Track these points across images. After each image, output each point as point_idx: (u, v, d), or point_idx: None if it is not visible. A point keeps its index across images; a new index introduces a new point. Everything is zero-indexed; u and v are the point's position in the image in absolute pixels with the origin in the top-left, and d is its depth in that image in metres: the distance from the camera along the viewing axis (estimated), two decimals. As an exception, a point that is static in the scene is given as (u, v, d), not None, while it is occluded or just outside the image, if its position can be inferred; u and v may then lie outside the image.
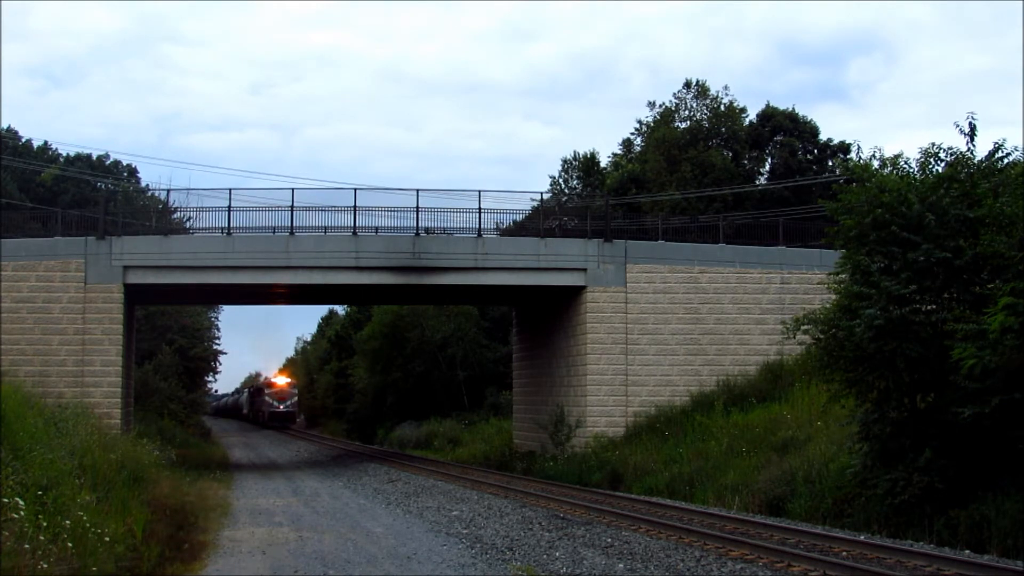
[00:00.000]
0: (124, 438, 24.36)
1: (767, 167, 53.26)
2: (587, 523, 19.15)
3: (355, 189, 32.11)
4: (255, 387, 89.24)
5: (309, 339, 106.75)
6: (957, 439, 16.63)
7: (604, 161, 58.50)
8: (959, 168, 18.15)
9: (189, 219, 38.32)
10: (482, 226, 32.61)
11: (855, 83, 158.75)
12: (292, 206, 31.76)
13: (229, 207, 31.65)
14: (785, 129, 52.37)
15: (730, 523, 18.56)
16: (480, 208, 32.52)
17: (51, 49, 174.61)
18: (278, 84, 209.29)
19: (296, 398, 77.83)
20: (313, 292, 37.64)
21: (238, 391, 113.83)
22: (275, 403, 75.93)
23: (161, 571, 13.26)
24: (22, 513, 10.90)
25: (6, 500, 10.97)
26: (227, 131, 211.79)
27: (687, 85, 53.52)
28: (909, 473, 17.03)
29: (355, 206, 31.98)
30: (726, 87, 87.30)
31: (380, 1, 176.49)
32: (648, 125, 55.23)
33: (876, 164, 19.78)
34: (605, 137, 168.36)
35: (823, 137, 52.81)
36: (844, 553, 15.04)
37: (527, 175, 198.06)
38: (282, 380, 79.14)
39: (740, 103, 54.79)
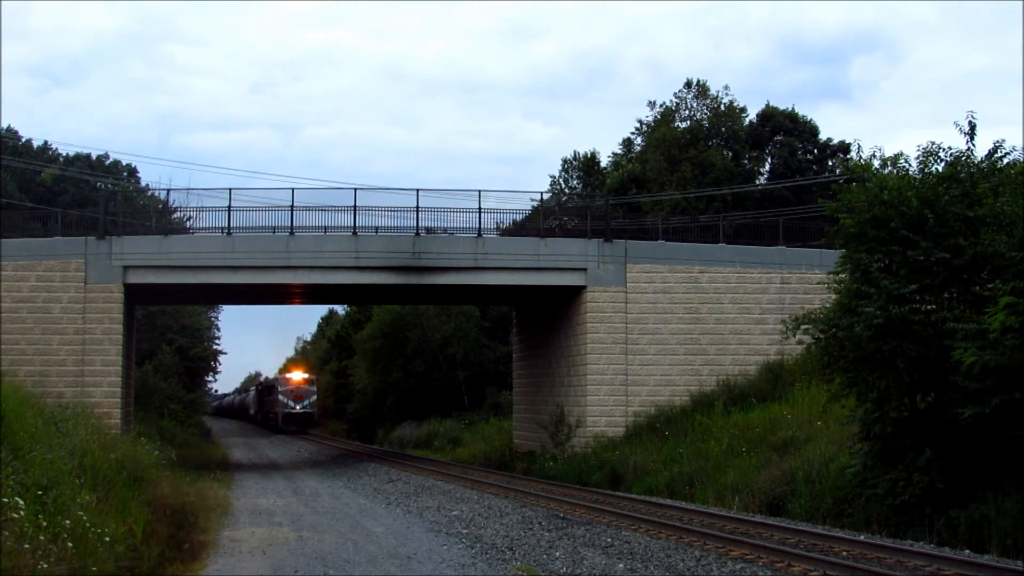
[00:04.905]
0: (124, 438, 24.35)
1: (767, 167, 53.26)
2: (587, 523, 19.14)
3: (355, 189, 32.16)
4: (265, 384, 78.97)
5: (309, 339, 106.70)
6: (957, 439, 16.63)
7: (604, 161, 58.55)
8: (959, 168, 18.14)
9: (189, 219, 38.31)
10: (482, 226, 32.60)
11: (857, 82, 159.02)
12: (292, 206, 31.77)
13: (229, 207, 31.66)
14: (785, 129, 52.40)
15: (730, 523, 18.55)
16: (480, 208, 32.54)
17: (51, 48, 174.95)
18: (278, 84, 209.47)
19: (315, 396, 66.98)
20: (313, 292, 37.65)
21: (244, 389, 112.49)
22: (290, 402, 65.21)
23: (161, 571, 13.25)
24: (22, 513, 10.89)
25: (6, 500, 10.96)
26: (227, 131, 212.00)
27: (688, 85, 53.56)
28: (909, 473, 17.03)
29: (355, 206, 31.99)
30: (726, 87, 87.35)
31: (381, 0, 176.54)
32: (648, 125, 55.23)
33: (876, 164, 19.79)
34: (605, 137, 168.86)
35: (823, 137, 52.91)
36: (844, 553, 15.03)
37: (527, 175, 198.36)
38: (298, 375, 67.88)
39: (740, 103, 54.93)
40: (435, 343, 53.04)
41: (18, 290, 30.27)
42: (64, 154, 59.77)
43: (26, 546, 10.27)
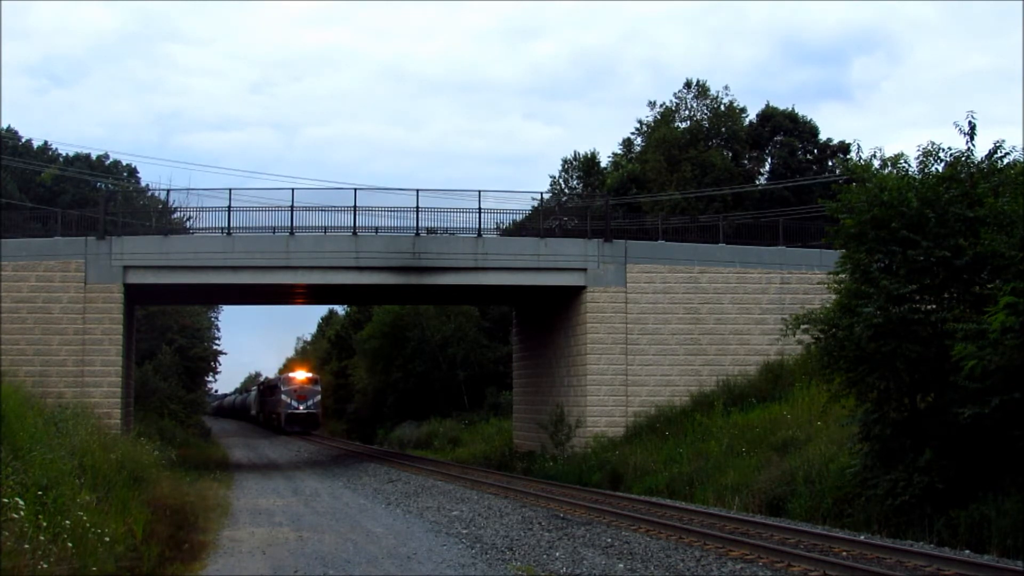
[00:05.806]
0: (124, 438, 24.36)
1: (767, 167, 53.30)
2: (587, 523, 19.14)
3: (355, 189, 32.14)
4: (267, 383, 76.83)
5: (309, 339, 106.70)
6: (957, 439, 16.62)
7: (604, 161, 58.58)
8: (959, 168, 18.14)
9: (189, 219, 38.33)
10: (482, 226, 32.58)
11: (858, 82, 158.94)
12: (292, 206, 31.76)
13: (229, 207, 31.64)
14: (785, 129, 52.45)
15: (730, 523, 18.55)
16: (480, 208, 32.51)
17: (51, 48, 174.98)
18: (278, 83, 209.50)
19: (320, 396, 65.09)
20: (313, 292, 37.64)
21: (245, 389, 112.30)
22: (294, 402, 63.41)
23: (161, 571, 13.25)
24: (22, 513, 10.90)
25: (6, 500, 10.96)
26: (227, 130, 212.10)
27: (687, 85, 53.63)
28: (909, 473, 17.03)
29: (355, 206, 31.97)
30: (726, 87, 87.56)
31: (381, 0, 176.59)
32: (648, 125, 55.28)
33: (876, 164, 19.79)
34: (606, 137, 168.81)
35: (823, 137, 52.98)
36: (844, 553, 15.04)
37: (528, 175, 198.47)
38: (302, 375, 66.14)
39: (740, 103, 55.03)
40: (435, 343, 53.04)
41: (18, 290, 30.26)
42: (64, 154, 59.84)
43: (26, 546, 10.28)
